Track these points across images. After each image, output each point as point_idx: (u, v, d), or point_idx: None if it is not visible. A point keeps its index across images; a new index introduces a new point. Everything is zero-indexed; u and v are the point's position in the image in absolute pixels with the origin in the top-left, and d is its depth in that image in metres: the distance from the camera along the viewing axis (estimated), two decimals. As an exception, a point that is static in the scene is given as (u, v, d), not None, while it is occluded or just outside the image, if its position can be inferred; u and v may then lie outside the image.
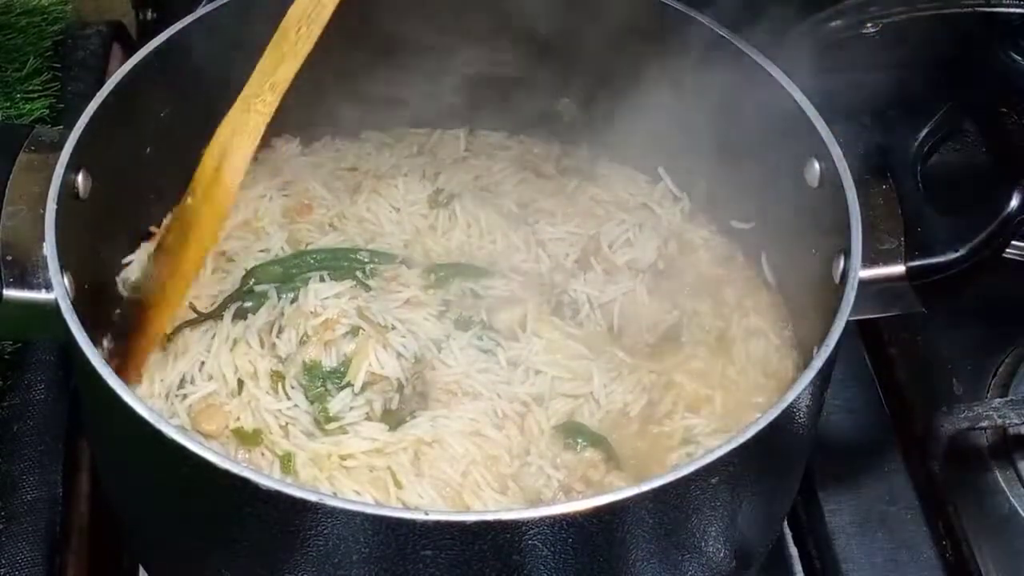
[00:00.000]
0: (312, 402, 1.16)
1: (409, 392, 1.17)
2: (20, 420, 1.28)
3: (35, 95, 1.53)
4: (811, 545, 1.30)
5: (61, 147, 1.11)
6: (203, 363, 1.19)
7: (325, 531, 0.91)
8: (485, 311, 1.24)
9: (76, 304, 1.03)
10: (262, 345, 1.20)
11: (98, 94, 1.15)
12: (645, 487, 0.91)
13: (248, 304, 1.23)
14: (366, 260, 1.28)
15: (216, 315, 1.23)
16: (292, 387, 1.17)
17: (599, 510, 0.91)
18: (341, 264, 1.27)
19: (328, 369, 1.17)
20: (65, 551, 1.23)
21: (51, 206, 1.06)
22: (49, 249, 1.04)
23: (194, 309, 1.23)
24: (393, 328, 1.20)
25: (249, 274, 1.26)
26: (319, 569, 0.95)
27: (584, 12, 1.30)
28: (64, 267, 1.04)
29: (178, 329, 1.22)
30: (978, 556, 1.23)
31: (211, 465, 0.92)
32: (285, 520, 0.92)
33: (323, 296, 1.22)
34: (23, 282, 1.05)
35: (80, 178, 1.12)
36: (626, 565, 0.97)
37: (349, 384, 1.16)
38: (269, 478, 0.93)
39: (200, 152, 1.25)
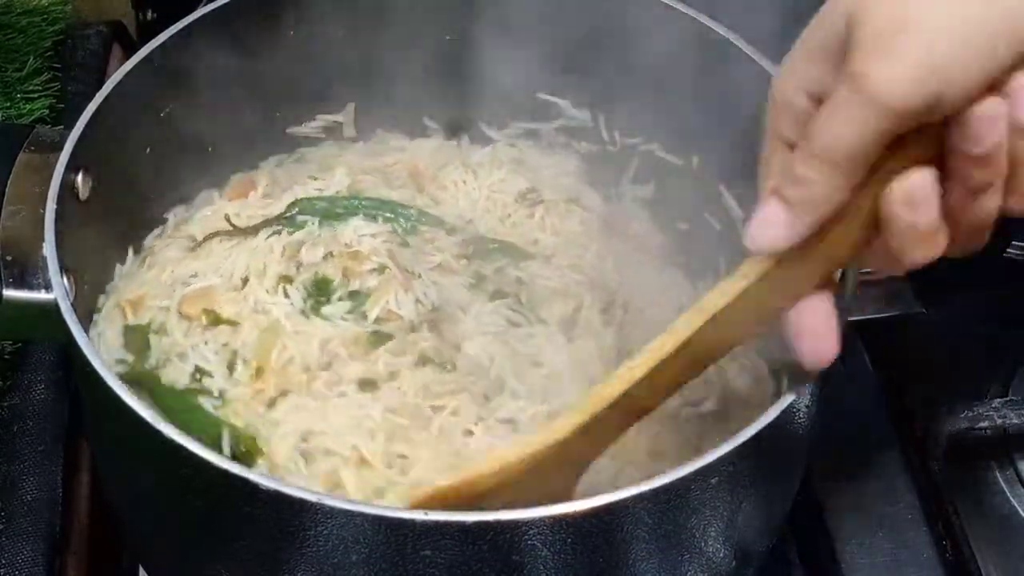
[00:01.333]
0: (306, 302, 1.17)
1: None
2: (20, 420, 1.28)
3: (35, 95, 1.53)
4: (811, 545, 1.30)
5: (61, 147, 1.10)
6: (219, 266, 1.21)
7: (324, 531, 0.91)
8: (526, 296, 1.22)
9: (76, 304, 1.02)
10: (283, 254, 1.20)
11: (98, 94, 1.15)
12: (645, 487, 0.91)
13: (286, 229, 1.24)
14: (413, 217, 1.27)
15: (251, 232, 1.24)
16: (296, 290, 1.17)
17: (598, 510, 0.91)
18: (387, 215, 1.27)
19: (341, 290, 1.17)
20: (65, 551, 1.23)
21: (51, 206, 1.06)
22: (49, 249, 1.04)
23: (229, 221, 1.24)
24: (419, 277, 1.20)
25: (294, 204, 1.27)
26: (318, 569, 0.94)
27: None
28: (64, 267, 1.04)
29: (208, 238, 1.23)
30: (978, 556, 1.23)
31: (211, 465, 0.91)
32: (284, 520, 0.92)
33: (361, 233, 1.22)
34: (23, 282, 1.05)
35: (80, 178, 1.11)
36: (626, 565, 0.97)
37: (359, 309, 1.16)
38: (269, 478, 0.93)
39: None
